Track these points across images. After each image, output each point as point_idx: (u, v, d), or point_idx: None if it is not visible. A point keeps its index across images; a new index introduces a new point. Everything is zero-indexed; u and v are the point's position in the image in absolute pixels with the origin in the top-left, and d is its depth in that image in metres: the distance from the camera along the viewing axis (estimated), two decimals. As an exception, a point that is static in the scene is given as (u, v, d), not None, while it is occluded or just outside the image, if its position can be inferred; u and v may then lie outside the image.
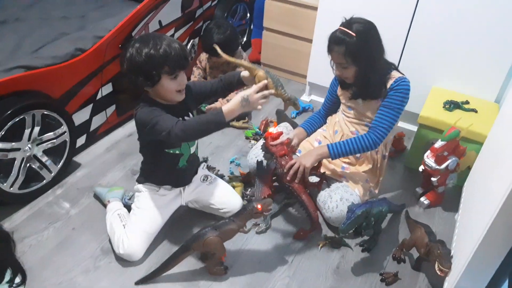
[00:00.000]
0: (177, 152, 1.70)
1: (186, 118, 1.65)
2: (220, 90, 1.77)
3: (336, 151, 1.80)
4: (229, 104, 1.47)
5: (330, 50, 1.74)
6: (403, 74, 1.81)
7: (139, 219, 1.73)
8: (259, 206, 1.58)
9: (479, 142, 1.99)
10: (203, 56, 2.68)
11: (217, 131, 1.53)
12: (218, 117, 1.46)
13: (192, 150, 1.76)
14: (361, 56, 1.70)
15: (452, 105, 2.18)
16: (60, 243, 1.78)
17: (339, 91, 1.97)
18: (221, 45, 2.40)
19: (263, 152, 1.88)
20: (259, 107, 1.49)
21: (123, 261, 1.71)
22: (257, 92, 1.50)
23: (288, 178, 1.77)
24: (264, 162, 1.88)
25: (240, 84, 1.73)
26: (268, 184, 1.82)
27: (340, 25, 1.72)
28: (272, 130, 1.87)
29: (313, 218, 1.82)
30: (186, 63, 1.55)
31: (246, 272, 1.72)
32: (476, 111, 2.16)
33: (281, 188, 1.85)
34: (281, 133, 1.84)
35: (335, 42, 1.71)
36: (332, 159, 1.85)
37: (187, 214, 1.94)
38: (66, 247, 1.76)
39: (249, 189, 2.07)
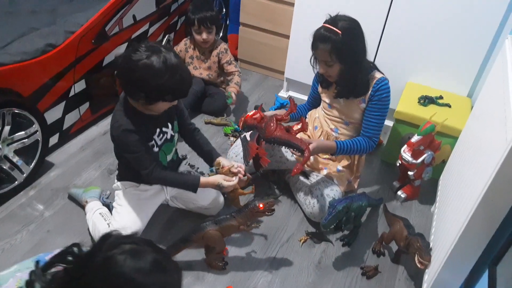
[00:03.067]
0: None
1: (164, 129, 1.64)
2: (189, 144, 1.83)
3: (341, 147, 1.83)
4: (208, 181, 1.65)
5: (315, 47, 1.72)
6: (383, 73, 1.83)
7: (123, 216, 1.69)
8: (261, 205, 1.58)
9: (453, 136, 2.05)
10: (182, 46, 2.60)
11: None
12: (193, 185, 1.64)
13: (169, 158, 1.73)
14: (346, 54, 1.69)
15: (426, 100, 2.23)
16: (35, 246, 1.72)
17: (319, 88, 1.98)
18: (214, 19, 2.45)
19: (247, 130, 1.98)
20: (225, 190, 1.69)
21: (102, 263, 1.67)
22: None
23: (270, 129, 1.77)
24: (244, 135, 1.97)
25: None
26: (253, 148, 1.83)
27: (325, 22, 1.71)
28: (250, 113, 1.97)
29: (300, 147, 1.73)
30: (188, 93, 1.55)
31: (229, 269, 1.71)
32: (450, 106, 2.22)
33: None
34: (256, 113, 1.92)
35: (320, 39, 1.68)
36: (336, 155, 1.89)
37: (172, 214, 1.92)
38: (41, 250, 1.70)
39: (229, 186, 2.06)
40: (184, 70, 1.47)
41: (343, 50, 1.67)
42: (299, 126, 1.81)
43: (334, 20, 1.69)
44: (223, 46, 2.57)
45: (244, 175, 1.69)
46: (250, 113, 1.97)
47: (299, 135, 1.78)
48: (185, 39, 2.61)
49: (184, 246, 1.64)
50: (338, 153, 1.85)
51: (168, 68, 1.39)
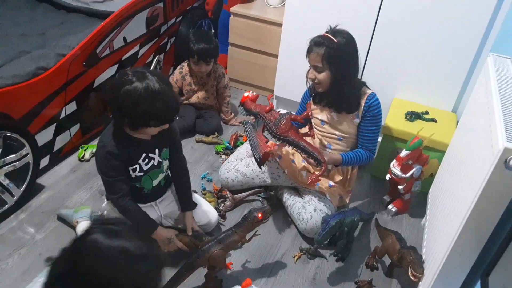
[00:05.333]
0: (137, 185, 1.66)
1: (150, 154, 1.62)
2: (172, 178, 1.81)
3: (346, 160, 1.90)
4: (162, 234, 1.66)
5: (309, 51, 1.79)
6: (371, 90, 1.89)
7: None
8: (259, 215, 1.60)
9: (440, 150, 2.09)
10: (177, 75, 2.61)
11: None
12: (147, 231, 1.63)
13: (156, 183, 1.71)
14: (337, 62, 1.76)
15: (413, 116, 2.29)
16: (26, 270, 1.69)
17: (312, 105, 2.01)
18: (213, 52, 2.47)
19: (246, 114, 1.94)
20: (166, 249, 1.69)
21: (96, 285, 1.65)
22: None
23: (283, 127, 1.76)
24: (249, 124, 1.93)
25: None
26: (263, 141, 1.81)
27: (325, 32, 1.78)
28: (247, 94, 1.95)
29: (319, 159, 1.74)
30: (175, 118, 1.57)
31: (224, 287, 1.71)
32: (435, 121, 2.27)
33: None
34: (257, 96, 1.92)
35: (316, 44, 1.77)
36: (341, 166, 1.93)
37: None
38: (33, 274, 1.67)
39: (222, 204, 2.07)
40: (168, 95, 1.45)
41: (335, 58, 1.74)
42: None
43: (334, 31, 1.77)
44: (221, 69, 2.62)
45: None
46: (249, 95, 1.95)
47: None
48: (179, 67, 2.62)
49: (190, 272, 1.60)
50: (343, 165, 1.91)
51: (149, 94, 1.40)
